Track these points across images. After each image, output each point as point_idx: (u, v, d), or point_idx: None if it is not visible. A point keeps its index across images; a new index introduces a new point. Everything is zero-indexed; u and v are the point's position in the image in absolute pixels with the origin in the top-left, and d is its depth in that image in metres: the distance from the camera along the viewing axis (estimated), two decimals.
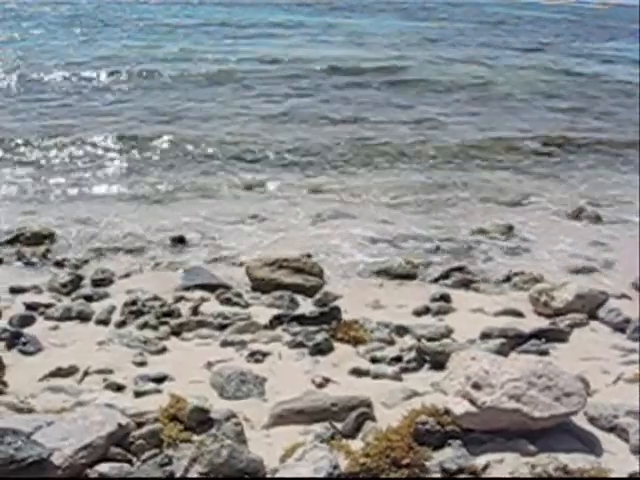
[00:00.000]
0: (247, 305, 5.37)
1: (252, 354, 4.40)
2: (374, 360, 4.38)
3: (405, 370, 4.24)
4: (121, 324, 4.90)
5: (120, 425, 3.09)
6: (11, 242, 6.65)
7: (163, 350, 4.51)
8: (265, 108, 13.68)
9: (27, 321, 4.87)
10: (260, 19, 34.47)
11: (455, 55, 22.94)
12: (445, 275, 6.14)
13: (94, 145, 10.57)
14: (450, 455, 3.10)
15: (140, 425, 3.20)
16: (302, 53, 21.55)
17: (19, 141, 10.51)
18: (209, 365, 4.23)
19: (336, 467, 2.98)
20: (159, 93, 14.93)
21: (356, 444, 3.22)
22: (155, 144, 10.68)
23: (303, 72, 17.92)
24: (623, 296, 5.67)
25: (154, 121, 12.37)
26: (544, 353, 4.43)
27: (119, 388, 3.88)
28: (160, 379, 4.00)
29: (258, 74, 17.33)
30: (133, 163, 9.88)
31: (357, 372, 4.20)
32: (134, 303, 5.13)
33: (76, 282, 5.68)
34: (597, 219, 8.06)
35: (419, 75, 18.07)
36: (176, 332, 4.80)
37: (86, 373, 4.07)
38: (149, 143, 10.73)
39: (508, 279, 6.10)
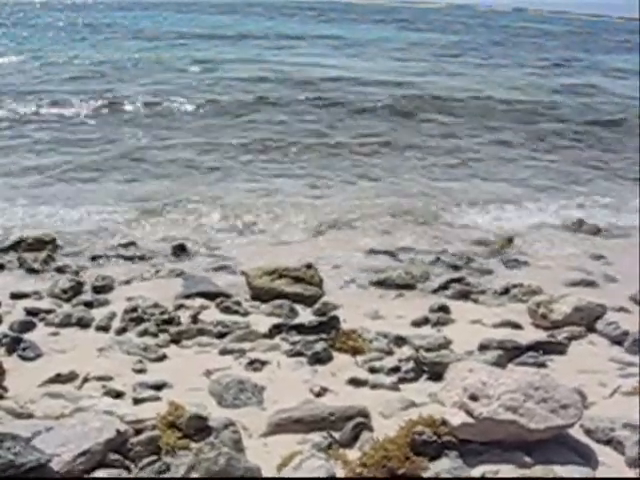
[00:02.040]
0: (246, 314, 5.39)
1: (251, 362, 4.41)
2: (372, 370, 4.39)
3: (403, 380, 4.25)
4: (121, 331, 4.92)
5: (119, 432, 3.10)
6: (12, 248, 6.68)
7: (162, 357, 4.53)
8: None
9: (27, 327, 4.89)
10: (269, 29, 34.71)
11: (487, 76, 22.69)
12: (444, 286, 6.16)
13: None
14: (446, 466, 3.11)
15: (138, 432, 3.22)
16: (320, 66, 21.73)
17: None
18: (208, 373, 4.25)
19: (333, 476, 2.99)
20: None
21: (353, 454, 3.23)
22: (160, 159, 10.73)
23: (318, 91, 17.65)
24: (621, 309, 5.68)
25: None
26: (542, 365, 4.45)
27: (118, 395, 3.89)
28: (159, 386, 4.01)
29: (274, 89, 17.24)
30: (135, 171, 9.94)
31: (355, 382, 4.20)
32: (134, 310, 5.15)
33: (77, 288, 5.70)
34: (596, 231, 8.10)
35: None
36: (176, 340, 4.82)
37: (85, 379, 4.08)
38: (154, 157, 10.78)
39: (507, 291, 6.11)
